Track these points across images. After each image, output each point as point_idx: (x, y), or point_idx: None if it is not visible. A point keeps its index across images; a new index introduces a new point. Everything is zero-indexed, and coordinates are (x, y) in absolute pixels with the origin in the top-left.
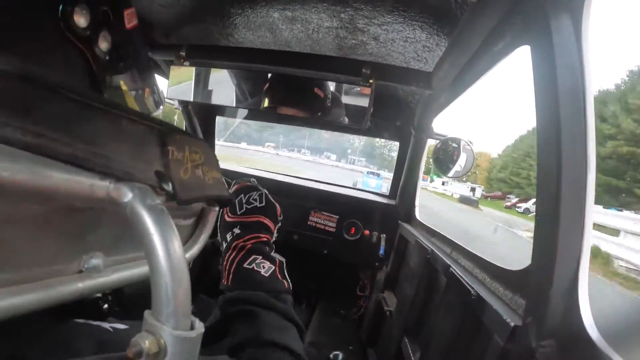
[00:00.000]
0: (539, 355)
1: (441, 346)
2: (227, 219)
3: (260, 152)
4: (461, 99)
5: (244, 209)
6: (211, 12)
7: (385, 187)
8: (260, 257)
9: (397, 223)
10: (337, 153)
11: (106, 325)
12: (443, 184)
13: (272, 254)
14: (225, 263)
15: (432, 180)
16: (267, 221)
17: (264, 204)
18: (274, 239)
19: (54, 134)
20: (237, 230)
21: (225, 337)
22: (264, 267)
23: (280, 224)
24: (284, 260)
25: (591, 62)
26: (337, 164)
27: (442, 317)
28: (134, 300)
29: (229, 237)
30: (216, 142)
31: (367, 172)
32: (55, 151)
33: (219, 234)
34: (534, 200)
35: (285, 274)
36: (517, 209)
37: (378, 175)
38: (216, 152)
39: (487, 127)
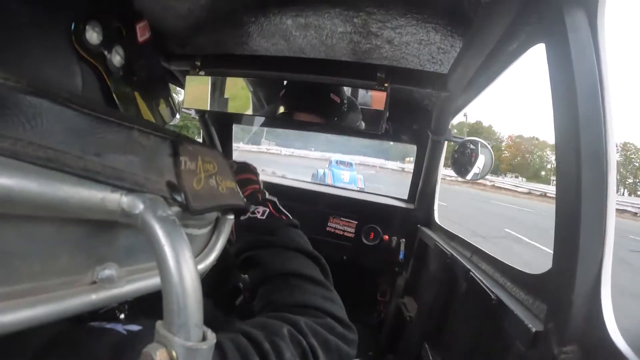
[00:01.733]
0: None
1: (461, 352)
2: None
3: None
4: None
5: None
6: (225, 21)
7: (362, 182)
8: (254, 205)
9: (416, 227)
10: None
11: (120, 327)
12: None
13: (266, 196)
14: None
15: None
16: (246, 175)
17: (235, 167)
18: (262, 186)
19: (65, 148)
20: None
21: None
22: (259, 212)
23: (260, 174)
24: (275, 199)
25: (608, 58)
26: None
27: (463, 322)
28: (151, 302)
29: None
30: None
31: (335, 162)
32: (66, 165)
33: None
34: None
35: (281, 209)
36: None
37: (350, 165)
38: None
39: None
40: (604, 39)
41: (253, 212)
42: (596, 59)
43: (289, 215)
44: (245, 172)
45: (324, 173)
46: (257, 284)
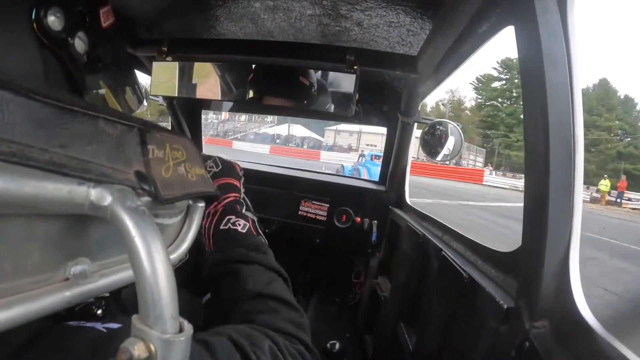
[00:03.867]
0: (533, 336)
1: (436, 330)
2: None
3: None
4: None
5: None
6: (192, 4)
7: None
8: (234, 217)
9: (387, 209)
10: None
11: (99, 325)
12: None
13: (245, 212)
14: (203, 232)
15: None
16: (230, 180)
17: (220, 167)
18: (242, 194)
19: (29, 141)
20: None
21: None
22: (239, 225)
23: (243, 179)
24: (255, 218)
25: (577, 42)
26: None
27: (436, 300)
28: (131, 299)
29: None
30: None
31: (370, 156)
32: (31, 158)
33: None
34: None
35: (259, 229)
36: None
37: None
38: None
39: None
40: (573, 22)
41: (234, 224)
42: (565, 42)
43: (264, 236)
44: (228, 176)
45: (358, 170)
46: (236, 298)
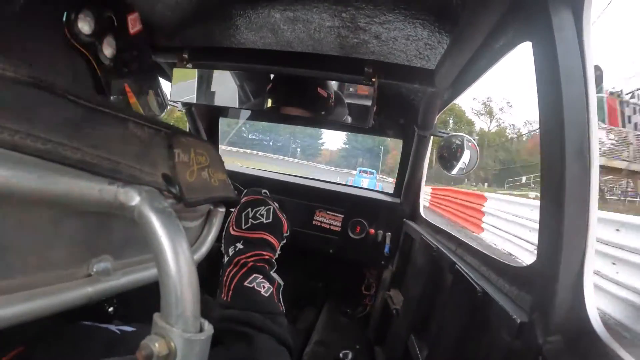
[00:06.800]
0: (546, 351)
1: (448, 344)
2: (232, 233)
3: None
4: None
5: (250, 224)
6: (213, 14)
7: (380, 187)
8: (261, 277)
9: (402, 221)
10: None
11: (113, 327)
12: None
13: (272, 273)
14: (225, 278)
15: None
16: (271, 238)
17: (270, 220)
18: (276, 256)
19: (63, 140)
20: (240, 246)
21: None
22: (263, 287)
23: (285, 241)
24: (282, 283)
25: (593, 58)
26: None
27: (449, 314)
28: (139, 303)
29: (231, 251)
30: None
31: (359, 170)
32: (64, 157)
33: (222, 244)
34: None
35: (281, 297)
36: None
37: (372, 173)
38: None
39: None
40: (589, 38)
41: (258, 285)
42: (581, 58)
43: (283, 305)
44: (272, 233)
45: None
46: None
